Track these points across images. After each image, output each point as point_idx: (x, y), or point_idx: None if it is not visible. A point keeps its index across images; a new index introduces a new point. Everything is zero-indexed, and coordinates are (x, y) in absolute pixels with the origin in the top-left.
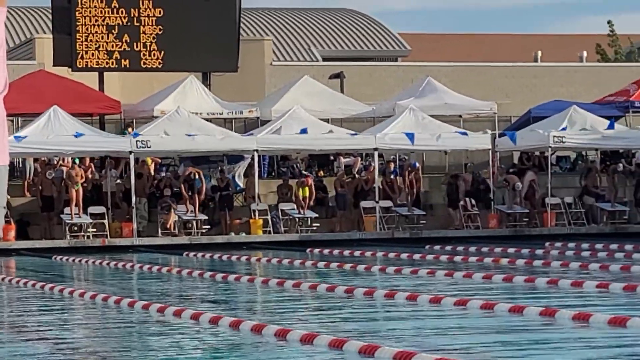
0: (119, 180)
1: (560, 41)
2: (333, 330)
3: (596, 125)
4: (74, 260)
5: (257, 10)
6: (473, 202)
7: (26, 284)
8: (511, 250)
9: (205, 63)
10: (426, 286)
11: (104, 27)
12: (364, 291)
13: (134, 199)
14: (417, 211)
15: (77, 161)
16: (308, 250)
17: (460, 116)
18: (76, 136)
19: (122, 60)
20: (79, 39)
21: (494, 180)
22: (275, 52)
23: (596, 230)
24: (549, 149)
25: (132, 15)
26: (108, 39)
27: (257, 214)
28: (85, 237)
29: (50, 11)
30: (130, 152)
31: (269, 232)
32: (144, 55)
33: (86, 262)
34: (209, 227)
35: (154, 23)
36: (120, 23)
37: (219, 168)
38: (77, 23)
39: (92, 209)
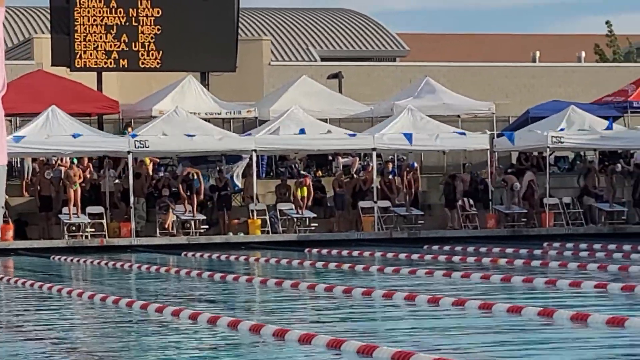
0: (117, 180)
1: (558, 41)
2: (331, 330)
3: (594, 125)
4: (72, 260)
5: (255, 10)
6: (471, 202)
7: (24, 283)
8: (509, 250)
9: (203, 63)
10: (424, 286)
11: (103, 27)
12: (362, 291)
13: (132, 199)
14: (415, 211)
15: (75, 161)
16: (306, 250)
17: (458, 116)
18: (74, 137)
19: (121, 60)
20: (78, 38)
21: (492, 180)
22: (274, 52)
23: (594, 231)
24: (547, 149)
25: (130, 15)
26: (106, 38)
27: (255, 214)
28: (84, 237)
29: (49, 11)
30: (129, 152)
31: (268, 232)
32: (142, 55)
33: (84, 262)
34: (207, 227)
35: (152, 23)
36: (119, 23)
37: (217, 168)
38: (76, 23)
39: (91, 209)
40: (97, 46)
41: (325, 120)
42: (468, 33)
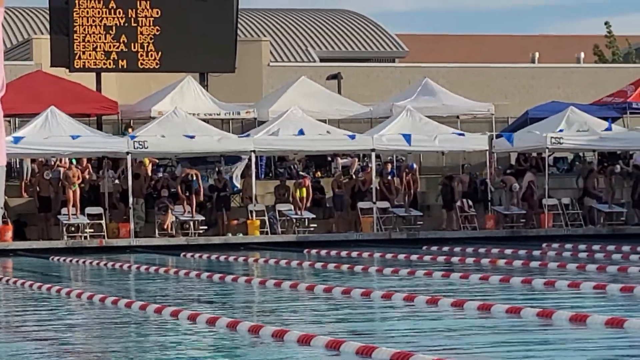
0: (117, 181)
1: (558, 42)
2: (330, 331)
3: (593, 126)
4: (71, 260)
5: (254, 11)
6: (470, 203)
7: (23, 284)
8: (508, 251)
9: (202, 64)
10: (423, 287)
11: (102, 27)
12: (361, 292)
13: (131, 199)
14: (414, 212)
15: (74, 162)
16: (305, 251)
17: (457, 117)
18: (73, 138)
19: (120, 61)
20: (77, 39)
21: (491, 181)
22: (273, 53)
23: (593, 232)
24: (547, 150)
25: (129, 15)
26: (105, 39)
27: (254, 215)
28: (83, 238)
29: (48, 12)
30: (128, 153)
31: (266, 233)
32: (142, 55)
33: (83, 262)
34: (206, 227)
35: (151, 24)
36: (118, 24)
37: (216, 169)
38: (75, 24)
39: (90, 210)
40: (96, 47)
41: (324, 121)
42: (467, 34)
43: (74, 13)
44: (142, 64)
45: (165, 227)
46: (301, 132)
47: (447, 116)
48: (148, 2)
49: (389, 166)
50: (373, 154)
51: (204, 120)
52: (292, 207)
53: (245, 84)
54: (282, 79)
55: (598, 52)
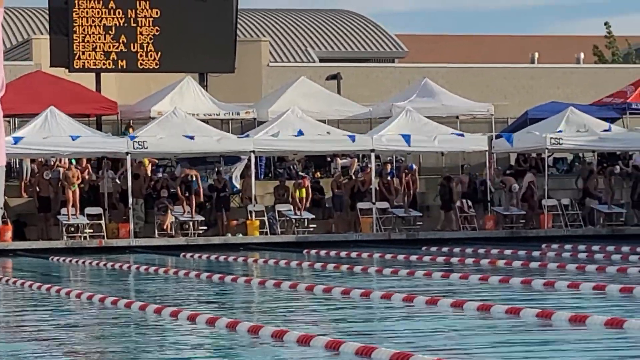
0: (117, 180)
1: (557, 43)
2: (330, 331)
3: (593, 127)
4: (70, 261)
5: (254, 11)
6: (470, 203)
7: (23, 284)
8: (508, 251)
9: (202, 64)
10: (423, 287)
11: (101, 27)
12: (360, 292)
13: (130, 200)
14: (413, 213)
15: (74, 162)
16: (305, 251)
17: (457, 117)
18: (73, 138)
19: (119, 61)
20: (76, 39)
21: (491, 181)
22: (272, 53)
23: (593, 232)
24: (546, 151)
25: (129, 16)
26: (105, 39)
27: (253, 215)
28: (82, 238)
29: (47, 12)
30: (127, 153)
31: (266, 233)
32: (141, 56)
33: (83, 262)
34: (205, 228)
35: (150, 24)
36: (117, 24)
37: (216, 169)
38: (74, 24)
39: (89, 210)
40: (96, 47)
41: (323, 121)
42: (467, 34)
43: (74, 13)
44: (141, 64)
45: (165, 227)
46: (300, 133)
47: (446, 116)
48: (147, 2)
49: (389, 167)
50: (372, 155)
51: (203, 120)
52: (292, 208)
53: (245, 84)
54: (281, 79)
55: (598, 53)
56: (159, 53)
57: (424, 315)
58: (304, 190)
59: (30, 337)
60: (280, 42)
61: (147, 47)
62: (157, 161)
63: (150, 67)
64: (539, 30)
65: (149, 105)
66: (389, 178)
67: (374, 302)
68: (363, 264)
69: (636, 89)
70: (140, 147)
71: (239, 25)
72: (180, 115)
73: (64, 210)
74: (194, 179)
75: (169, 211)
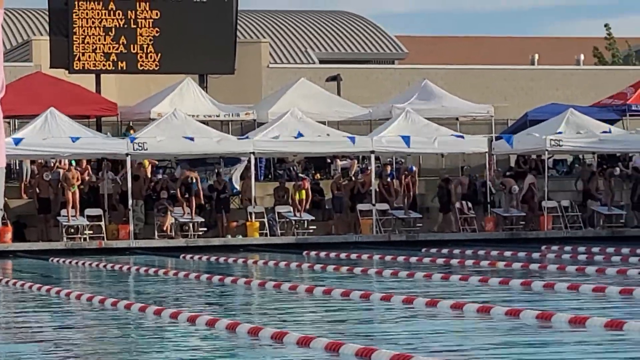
0: (119, 180)
1: (557, 44)
2: (329, 333)
3: (593, 128)
4: (70, 262)
5: (254, 12)
6: (469, 205)
7: (23, 285)
8: (508, 253)
9: (202, 65)
10: (422, 289)
11: (101, 29)
12: (360, 294)
13: (130, 201)
14: (413, 214)
15: (73, 163)
16: (304, 252)
17: (456, 119)
18: (73, 140)
19: (119, 63)
20: (76, 41)
21: (492, 183)
22: (272, 55)
23: (593, 234)
24: (546, 153)
25: (129, 17)
26: (105, 41)
27: (253, 217)
28: (82, 239)
29: (47, 13)
30: (127, 155)
31: (266, 235)
32: (141, 57)
33: (83, 264)
34: (205, 229)
35: (150, 25)
36: (117, 25)
37: (216, 171)
38: (74, 25)
39: (89, 211)
40: (96, 48)
41: (323, 123)
42: (466, 35)
43: (74, 14)
44: (141, 65)
45: (165, 228)
46: (300, 134)
47: (446, 118)
48: (147, 3)
49: (389, 168)
50: (372, 156)
51: (203, 121)
52: (292, 209)
53: (245, 86)
54: (281, 80)
55: (598, 54)
56: (159, 54)
57: (423, 316)
58: (303, 191)
59: (30, 339)
60: (280, 43)
61: (147, 48)
62: (157, 162)
63: (150, 69)
64: (539, 31)
65: (148, 107)
66: (388, 179)
67: (373, 304)
68: (363, 265)
69: (636, 91)
70: (140, 148)
71: (238, 27)
72: (180, 117)
73: (63, 212)
74: (194, 180)
75: (169, 212)
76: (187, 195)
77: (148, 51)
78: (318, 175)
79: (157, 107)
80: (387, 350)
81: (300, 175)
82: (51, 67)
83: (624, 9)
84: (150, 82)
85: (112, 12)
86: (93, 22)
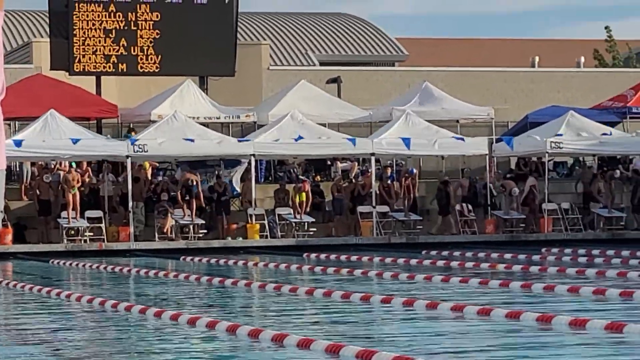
0: (119, 180)
1: (558, 46)
2: (330, 335)
3: (593, 131)
4: (71, 264)
5: (254, 14)
6: (470, 207)
7: (23, 287)
8: (508, 255)
9: (202, 67)
10: (423, 291)
11: (101, 31)
12: (360, 296)
13: (131, 203)
14: (413, 216)
15: (74, 165)
16: (305, 255)
17: (457, 121)
18: (73, 142)
19: (120, 65)
20: (76, 42)
21: (492, 185)
22: (273, 57)
23: (593, 236)
24: (546, 155)
25: (129, 19)
26: (105, 43)
27: (254, 219)
28: (83, 241)
29: (48, 15)
30: (128, 157)
31: (266, 237)
32: (141, 59)
33: (83, 266)
34: (205, 231)
35: (151, 27)
36: (118, 27)
37: (216, 173)
38: (75, 27)
39: (89, 213)
40: (96, 50)
41: (324, 125)
42: (467, 38)
43: (74, 16)
44: (141, 67)
45: (165, 230)
46: (300, 137)
47: (446, 120)
48: (148, 5)
49: (389, 170)
50: (373, 158)
51: (203, 124)
52: (292, 211)
53: (245, 88)
54: (281, 82)
55: (598, 57)
56: (159, 56)
57: (424, 319)
58: (304, 193)
59: (30, 340)
60: (280, 45)
61: (147, 50)
62: (157, 164)
63: (151, 71)
64: (540, 33)
65: (149, 109)
66: (389, 182)
67: (374, 306)
68: (363, 267)
69: (636, 93)
70: (140, 150)
71: (239, 29)
72: (180, 119)
73: (64, 214)
74: (194, 183)
75: (169, 214)
76: (187, 198)
77: (148, 53)
78: (318, 177)
79: (158, 109)
80: (387, 353)
81: (300, 177)
82: (51, 69)
83: (625, 12)
84: (151, 84)
85: (112, 14)
86: (93, 24)
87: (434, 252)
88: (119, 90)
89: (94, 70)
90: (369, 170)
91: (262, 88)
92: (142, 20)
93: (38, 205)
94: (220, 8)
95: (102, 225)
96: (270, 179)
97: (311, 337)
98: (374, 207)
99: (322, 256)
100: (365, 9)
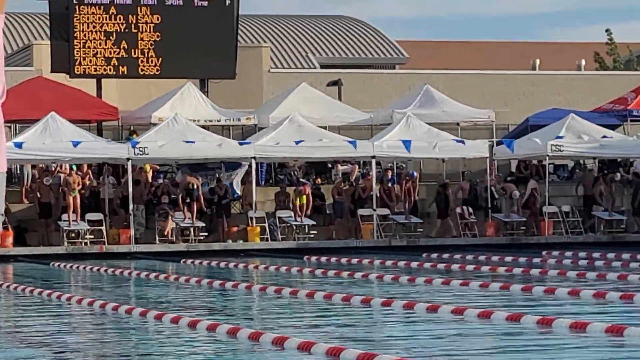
0: (121, 180)
1: (558, 49)
2: (330, 338)
3: (594, 133)
4: (71, 266)
5: (255, 17)
6: (470, 210)
7: (24, 290)
8: (508, 258)
9: (202, 70)
10: (423, 294)
11: (102, 33)
12: (361, 299)
13: (131, 205)
14: (414, 219)
15: (74, 167)
16: (305, 257)
17: (457, 124)
18: (74, 144)
19: (120, 67)
20: (77, 45)
21: (493, 188)
22: (273, 59)
23: (593, 239)
24: (547, 158)
25: (130, 22)
26: (106, 45)
27: (254, 222)
28: (83, 244)
29: (48, 18)
30: (128, 159)
31: (267, 240)
32: (142, 62)
33: (84, 268)
34: (206, 234)
35: (151, 30)
36: (118, 30)
37: (217, 176)
38: (75, 29)
39: (90, 216)
40: (97, 53)
41: (324, 128)
42: (467, 40)
43: (74, 19)
44: (142, 70)
45: (166, 233)
46: (301, 139)
47: (447, 123)
48: (148, 8)
49: (389, 173)
50: (373, 161)
51: (204, 126)
52: (292, 214)
53: (246, 90)
54: (282, 85)
55: (599, 59)
56: (160, 59)
57: (424, 322)
58: (304, 196)
59: (30, 343)
60: (281, 48)
61: (147, 52)
62: (158, 167)
63: (151, 73)
64: (540, 36)
65: (149, 111)
66: (389, 184)
67: (374, 309)
68: (364, 270)
69: (637, 96)
70: (141, 153)
71: (239, 31)
72: (181, 121)
73: (64, 216)
74: (195, 187)
75: (170, 217)
76: (188, 200)
77: (149, 56)
78: (319, 180)
79: (158, 111)
80: (387, 356)
81: (301, 180)
82: (52, 71)
83: (625, 15)
84: (151, 86)
85: (113, 17)
86: (94, 27)
87: (434, 255)
88: (120, 92)
89: (95, 72)
90: (370, 173)
91: (262, 91)
92: (142, 23)
93: (38, 207)
94: (220, 10)
95: (103, 227)
96: (270, 181)
97: (312, 340)
98: (375, 210)
99: (323, 259)
100: (366, 12)
